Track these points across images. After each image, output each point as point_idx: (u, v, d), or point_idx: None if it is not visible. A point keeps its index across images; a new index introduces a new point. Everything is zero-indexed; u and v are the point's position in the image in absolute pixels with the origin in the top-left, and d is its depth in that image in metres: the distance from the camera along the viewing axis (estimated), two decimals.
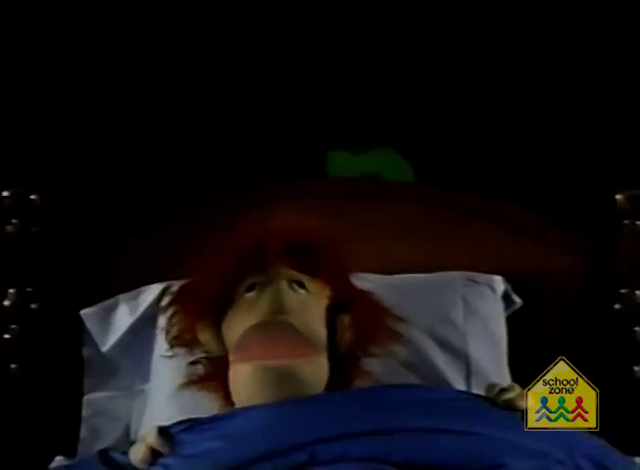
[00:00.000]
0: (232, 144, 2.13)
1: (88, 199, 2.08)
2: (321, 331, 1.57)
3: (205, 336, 1.61)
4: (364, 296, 1.67)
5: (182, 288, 1.66)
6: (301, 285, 1.59)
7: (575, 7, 2.13)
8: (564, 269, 1.98)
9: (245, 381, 1.51)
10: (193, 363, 1.65)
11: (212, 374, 1.61)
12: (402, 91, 2.15)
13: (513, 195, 2.07)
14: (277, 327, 1.51)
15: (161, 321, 1.74)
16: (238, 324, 1.56)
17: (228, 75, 2.14)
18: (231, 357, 1.56)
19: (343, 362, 1.60)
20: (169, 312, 1.67)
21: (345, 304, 1.62)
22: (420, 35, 2.15)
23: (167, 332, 1.67)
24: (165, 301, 1.72)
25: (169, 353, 1.68)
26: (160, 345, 1.77)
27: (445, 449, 1.36)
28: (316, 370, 1.53)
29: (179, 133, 2.13)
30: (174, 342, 1.66)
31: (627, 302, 1.96)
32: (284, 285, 1.57)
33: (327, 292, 1.62)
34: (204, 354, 1.64)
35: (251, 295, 1.58)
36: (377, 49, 2.15)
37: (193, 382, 1.64)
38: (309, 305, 1.58)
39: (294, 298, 1.56)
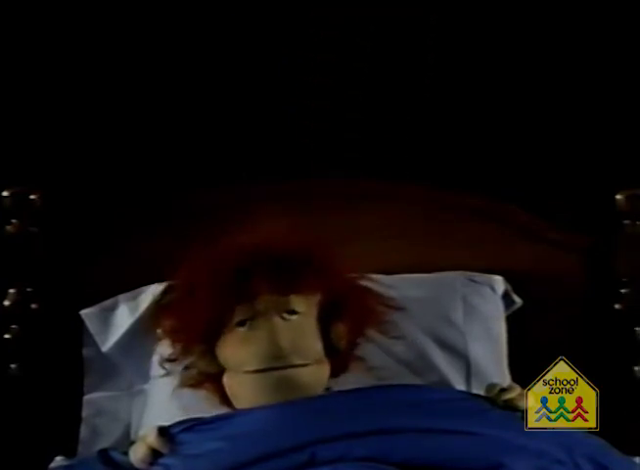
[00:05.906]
0: (232, 144, 2.13)
1: (88, 199, 2.08)
2: (318, 346, 1.56)
3: (199, 362, 1.60)
4: (355, 290, 1.65)
5: (173, 310, 1.65)
6: (292, 312, 1.56)
7: (575, 6, 2.13)
8: (564, 269, 1.98)
9: (244, 386, 1.52)
10: (187, 368, 1.64)
11: (205, 381, 1.61)
12: (401, 90, 2.15)
13: (513, 195, 2.07)
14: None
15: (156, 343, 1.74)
16: (234, 355, 1.55)
17: (227, 75, 2.14)
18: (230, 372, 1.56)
19: (340, 354, 1.61)
20: (163, 337, 1.67)
21: (336, 307, 1.60)
22: (418, 34, 2.15)
23: (160, 356, 1.68)
24: (160, 326, 1.70)
25: (163, 372, 1.68)
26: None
27: (445, 449, 1.36)
28: (317, 375, 1.54)
29: (179, 133, 2.13)
30: (167, 364, 1.66)
31: (627, 302, 1.96)
32: (276, 321, 1.53)
33: (317, 298, 1.60)
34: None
35: (243, 330, 1.55)
36: (374, 46, 2.14)
37: (188, 385, 1.64)
38: (303, 327, 1.56)
39: (287, 330, 1.53)
